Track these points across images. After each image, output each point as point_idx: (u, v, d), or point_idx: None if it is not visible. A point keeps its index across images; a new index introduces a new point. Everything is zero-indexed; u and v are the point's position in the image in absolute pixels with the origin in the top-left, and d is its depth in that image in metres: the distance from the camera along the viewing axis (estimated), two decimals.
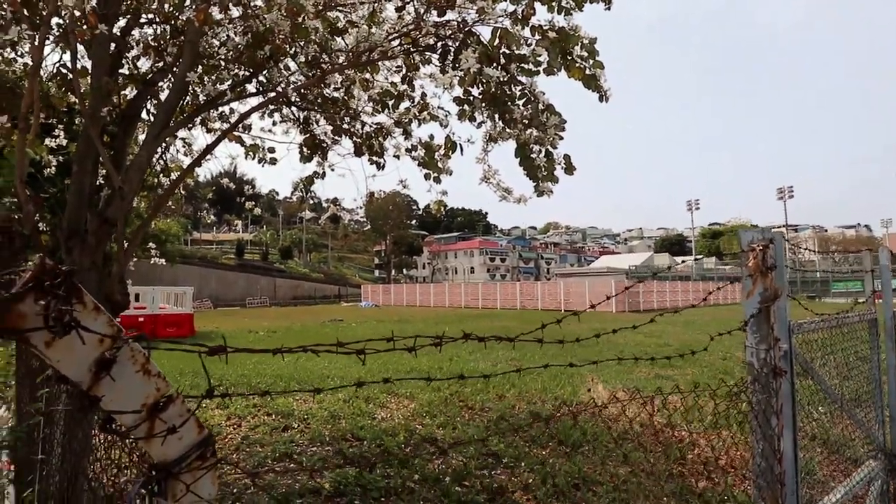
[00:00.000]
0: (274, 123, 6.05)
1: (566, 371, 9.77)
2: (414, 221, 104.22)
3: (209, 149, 4.52)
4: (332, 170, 6.24)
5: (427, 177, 5.16)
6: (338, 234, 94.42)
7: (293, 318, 31.72)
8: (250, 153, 5.91)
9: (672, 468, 4.94)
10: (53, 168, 4.63)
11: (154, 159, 6.82)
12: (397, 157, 5.36)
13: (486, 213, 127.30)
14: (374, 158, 5.51)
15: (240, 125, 5.33)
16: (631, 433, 6.02)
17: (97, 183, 4.89)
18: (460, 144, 4.27)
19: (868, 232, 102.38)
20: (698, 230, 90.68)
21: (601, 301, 1.99)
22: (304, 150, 5.76)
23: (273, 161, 5.92)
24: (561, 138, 3.84)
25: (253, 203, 8.15)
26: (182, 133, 6.49)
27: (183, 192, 7.52)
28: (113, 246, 3.94)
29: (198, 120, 5.98)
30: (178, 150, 6.69)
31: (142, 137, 4.82)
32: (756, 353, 2.02)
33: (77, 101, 3.52)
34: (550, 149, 4.13)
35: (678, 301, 40.47)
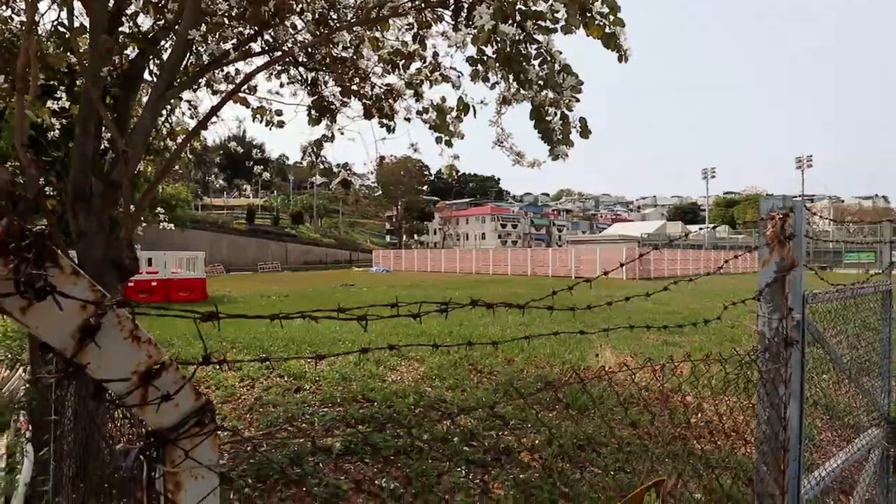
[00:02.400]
0: (281, 85, 5.94)
1: (575, 336, 9.81)
2: (425, 187, 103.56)
3: (214, 110, 4.46)
4: (342, 133, 6.16)
5: (438, 140, 5.07)
6: (349, 200, 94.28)
7: (305, 282, 32.04)
8: (257, 116, 5.84)
9: (676, 431, 4.98)
10: (57, 131, 4.59)
11: (159, 122, 6.78)
12: (408, 119, 5.27)
13: (499, 179, 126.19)
14: (384, 121, 5.42)
15: (245, 86, 5.25)
16: (637, 397, 6.07)
17: (101, 146, 4.87)
18: (473, 106, 4.16)
19: (885, 203, 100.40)
20: (713, 199, 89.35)
21: (613, 268, 1.96)
22: (313, 112, 5.67)
23: (281, 124, 5.85)
24: (577, 100, 3.73)
25: (262, 167, 8.10)
26: (187, 95, 6.41)
27: (190, 156, 7.49)
28: (120, 210, 3.94)
29: (202, 81, 5.88)
30: (183, 113, 6.64)
31: (145, 99, 4.76)
32: (768, 323, 1.98)
33: (76, 60, 3.46)
34: (566, 111, 4.02)
35: (689, 270, 40.25)
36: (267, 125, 5.80)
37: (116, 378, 0.60)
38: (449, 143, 4.92)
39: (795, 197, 2.16)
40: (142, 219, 7.08)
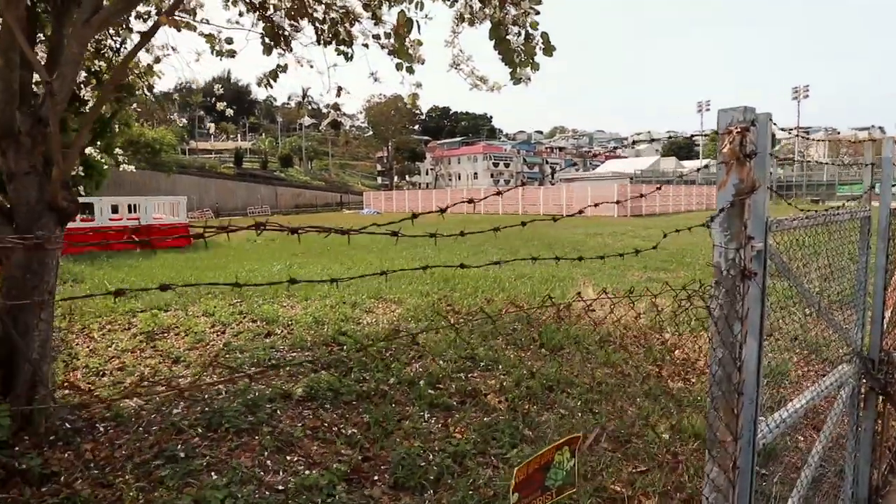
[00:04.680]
0: (241, 14, 5.46)
1: (557, 275, 9.69)
2: (417, 126, 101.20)
3: (147, 36, 4.04)
4: (311, 66, 5.72)
5: (399, 67, 4.67)
6: (339, 141, 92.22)
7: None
8: (208, 44, 5.40)
9: (650, 370, 4.90)
10: None
11: (111, 55, 6.27)
12: (366, 45, 4.84)
13: (491, 118, 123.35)
14: (342, 48, 4.99)
15: (186, 10, 4.78)
16: (614, 335, 5.97)
17: (33, 79, 4.46)
18: (417, 21, 3.75)
19: (881, 133, 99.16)
20: (708, 134, 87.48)
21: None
22: (266, 39, 5.23)
23: (232, 53, 5.40)
24: (537, 12, 3.34)
25: (225, 104, 7.66)
26: (140, 26, 5.89)
27: (147, 93, 7.01)
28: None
29: (152, 10, 5.40)
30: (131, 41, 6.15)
31: None
32: (724, 254, 1.75)
33: None
34: (530, 30, 3.63)
35: (681, 206, 40.06)
36: (218, 55, 5.36)
37: None
38: (410, 70, 4.53)
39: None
40: (78, 157, 6.67)
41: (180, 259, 14.00)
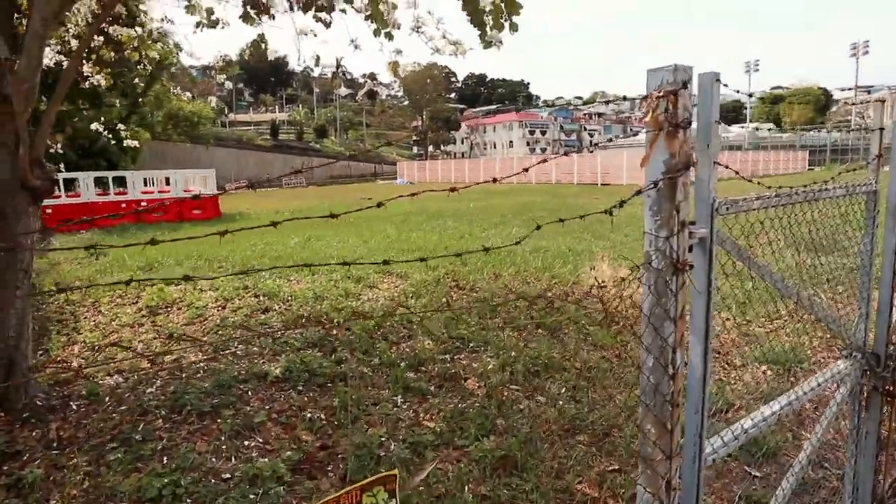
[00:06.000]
0: None
1: (575, 248, 9.31)
2: (453, 94, 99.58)
3: (108, 6, 3.88)
4: (314, 35, 5.50)
5: (377, 33, 4.37)
6: (375, 111, 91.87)
7: (326, 197, 31.96)
8: (188, 13, 5.22)
9: None
10: None
11: (113, 31, 6.17)
12: (343, 11, 4.55)
13: (528, 84, 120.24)
14: (319, 15, 4.72)
15: None
16: (620, 316, 5.65)
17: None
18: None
19: None
20: (760, 95, 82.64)
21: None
22: (247, 7, 5.00)
23: (214, 23, 5.21)
24: None
25: (226, 75, 7.53)
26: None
27: (148, 67, 6.92)
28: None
29: None
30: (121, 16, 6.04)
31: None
32: (654, 242, 1.46)
33: None
34: None
35: (722, 172, 38.16)
36: (198, 26, 5.18)
37: None
38: (389, 36, 4.22)
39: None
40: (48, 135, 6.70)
41: (205, 231, 14.21)
